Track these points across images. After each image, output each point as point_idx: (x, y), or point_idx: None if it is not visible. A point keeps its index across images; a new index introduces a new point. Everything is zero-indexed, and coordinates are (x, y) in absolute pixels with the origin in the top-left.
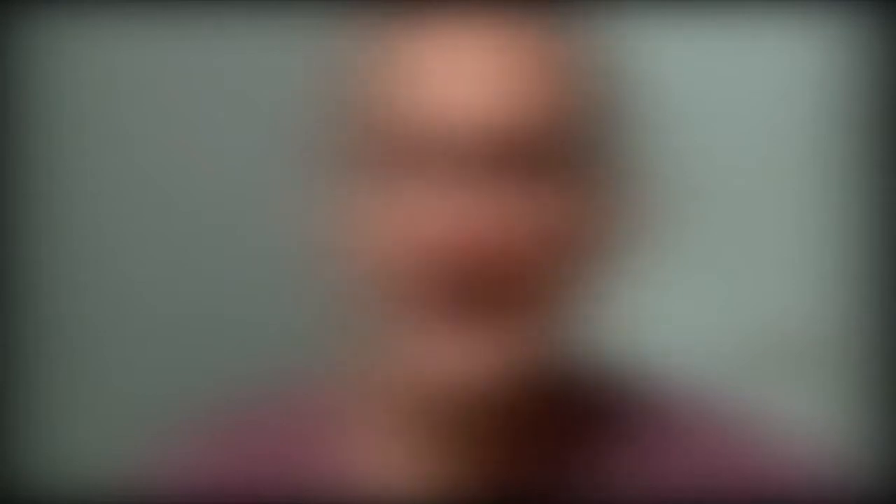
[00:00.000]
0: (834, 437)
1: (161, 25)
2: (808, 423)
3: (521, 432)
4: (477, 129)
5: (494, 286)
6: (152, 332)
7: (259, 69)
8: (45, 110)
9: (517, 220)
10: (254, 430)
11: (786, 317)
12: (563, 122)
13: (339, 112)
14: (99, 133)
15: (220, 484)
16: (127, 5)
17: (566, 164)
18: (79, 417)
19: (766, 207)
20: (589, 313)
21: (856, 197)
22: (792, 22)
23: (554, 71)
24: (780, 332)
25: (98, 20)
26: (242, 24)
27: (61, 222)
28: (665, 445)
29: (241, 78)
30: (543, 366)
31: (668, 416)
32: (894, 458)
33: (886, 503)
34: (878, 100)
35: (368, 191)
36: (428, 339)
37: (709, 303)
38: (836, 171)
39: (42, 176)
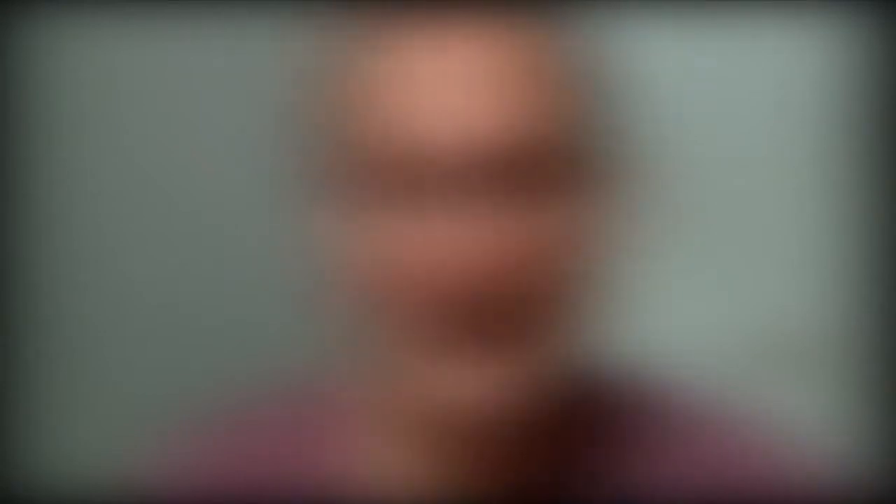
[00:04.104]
0: (834, 437)
1: (161, 25)
2: (808, 423)
3: (527, 447)
4: (470, 144)
5: (497, 308)
6: (152, 332)
7: (259, 69)
8: (45, 110)
9: (517, 239)
10: (254, 430)
11: (786, 317)
12: (559, 131)
13: (327, 124)
14: (99, 133)
15: (221, 484)
16: (127, 5)
17: (563, 175)
18: (79, 417)
19: (766, 207)
20: (595, 323)
21: (856, 197)
22: (792, 22)
23: (547, 78)
24: (780, 332)
25: (98, 20)
26: (242, 24)
27: (61, 222)
28: (666, 447)
29: (241, 78)
30: (552, 383)
31: (668, 418)
32: (894, 458)
33: (886, 503)
34: (878, 100)
35: (361, 211)
36: (433, 363)
37: (709, 303)
38: (836, 171)
39: (42, 176)
